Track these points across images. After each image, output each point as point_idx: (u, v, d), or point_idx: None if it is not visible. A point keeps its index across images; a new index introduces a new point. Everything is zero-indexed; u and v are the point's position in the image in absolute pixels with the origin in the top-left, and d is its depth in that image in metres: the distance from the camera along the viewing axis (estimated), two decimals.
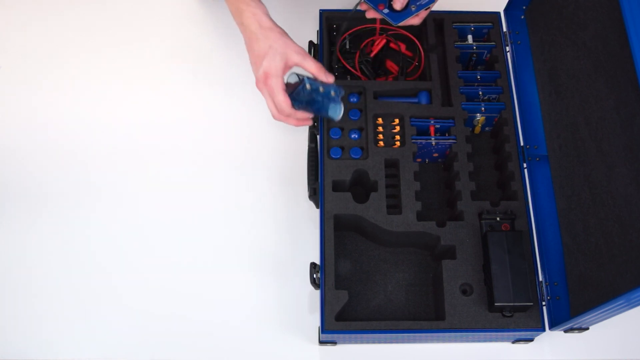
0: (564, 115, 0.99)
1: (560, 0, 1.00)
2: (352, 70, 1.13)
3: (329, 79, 0.94)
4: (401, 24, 0.99)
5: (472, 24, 1.13)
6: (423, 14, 1.00)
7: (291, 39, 0.94)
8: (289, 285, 1.05)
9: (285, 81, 0.95)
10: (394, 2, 0.97)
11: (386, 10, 0.98)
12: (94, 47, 1.25)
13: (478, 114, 1.08)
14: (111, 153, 1.15)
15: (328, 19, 1.14)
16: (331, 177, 1.01)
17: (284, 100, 0.91)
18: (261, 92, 0.93)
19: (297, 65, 0.93)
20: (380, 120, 1.07)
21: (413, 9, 0.98)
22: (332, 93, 0.94)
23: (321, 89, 0.94)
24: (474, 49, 1.12)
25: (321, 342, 1.01)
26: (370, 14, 1.00)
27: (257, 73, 0.92)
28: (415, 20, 1.00)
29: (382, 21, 1.07)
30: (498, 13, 1.15)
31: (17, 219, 1.10)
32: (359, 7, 1.00)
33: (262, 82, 0.91)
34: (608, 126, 0.85)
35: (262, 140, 1.16)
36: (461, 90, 1.08)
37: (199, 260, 1.07)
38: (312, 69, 0.93)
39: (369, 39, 1.14)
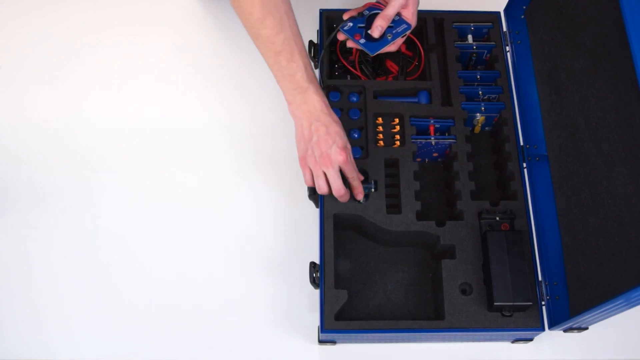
0: (563, 115, 0.99)
1: (560, 0, 1.00)
2: (352, 69, 1.13)
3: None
4: (378, 52, 1.00)
5: (472, 24, 1.13)
6: (399, 41, 1.01)
7: None
8: (288, 285, 1.05)
9: None
10: (372, 30, 0.99)
11: (362, 41, 1.00)
12: (94, 47, 1.25)
13: (478, 114, 1.08)
14: (111, 153, 1.15)
15: (328, 18, 1.14)
16: None
17: (356, 172, 0.99)
18: (326, 169, 0.97)
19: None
20: (380, 120, 1.07)
21: (389, 37, 1.00)
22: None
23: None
24: (474, 49, 1.12)
25: (320, 342, 1.01)
26: (350, 44, 1.02)
27: (327, 148, 0.95)
28: (392, 48, 1.01)
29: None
30: (498, 13, 1.15)
31: (18, 219, 1.10)
32: (337, 37, 1.02)
33: (338, 155, 0.95)
34: (608, 126, 0.85)
35: (261, 140, 1.16)
36: (461, 89, 1.08)
37: (198, 260, 1.07)
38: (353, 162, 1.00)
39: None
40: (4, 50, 1.24)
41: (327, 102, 0.98)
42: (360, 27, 1.00)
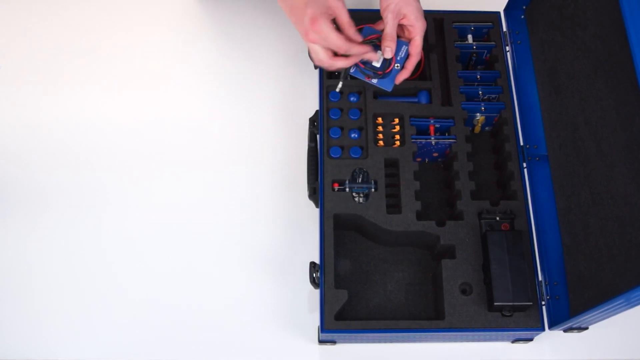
0: (563, 114, 0.99)
1: (560, 0, 1.00)
2: None
3: (357, 38, 0.93)
4: (396, 83, 0.99)
5: (472, 24, 1.13)
6: (409, 63, 0.99)
7: None
8: (288, 285, 1.05)
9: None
10: (383, 53, 0.94)
11: (375, 80, 0.99)
12: (94, 48, 1.25)
13: (478, 114, 1.08)
14: (111, 153, 1.15)
15: None
16: (331, 177, 1.02)
17: (337, 37, 0.89)
18: (312, 43, 0.90)
19: (335, 11, 0.90)
20: (380, 120, 1.07)
21: (397, 67, 0.98)
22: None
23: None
24: (474, 49, 1.12)
25: (320, 342, 1.01)
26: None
27: (304, 24, 0.88)
28: (405, 74, 0.99)
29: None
30: (498, 13, 1.15)
31: (18, 219, 1.10)
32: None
33: (311, 29, 0.88)
34: (608, 126, 0.85)
35: (262, 140, 1.16)
36: (461, 89, 1.08)
37: (198, 260, 1.07)
38: (345, 20, 0.91)
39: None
40: (4, 50, 1.24)
41: None
42: (367, 66, 0.98)
